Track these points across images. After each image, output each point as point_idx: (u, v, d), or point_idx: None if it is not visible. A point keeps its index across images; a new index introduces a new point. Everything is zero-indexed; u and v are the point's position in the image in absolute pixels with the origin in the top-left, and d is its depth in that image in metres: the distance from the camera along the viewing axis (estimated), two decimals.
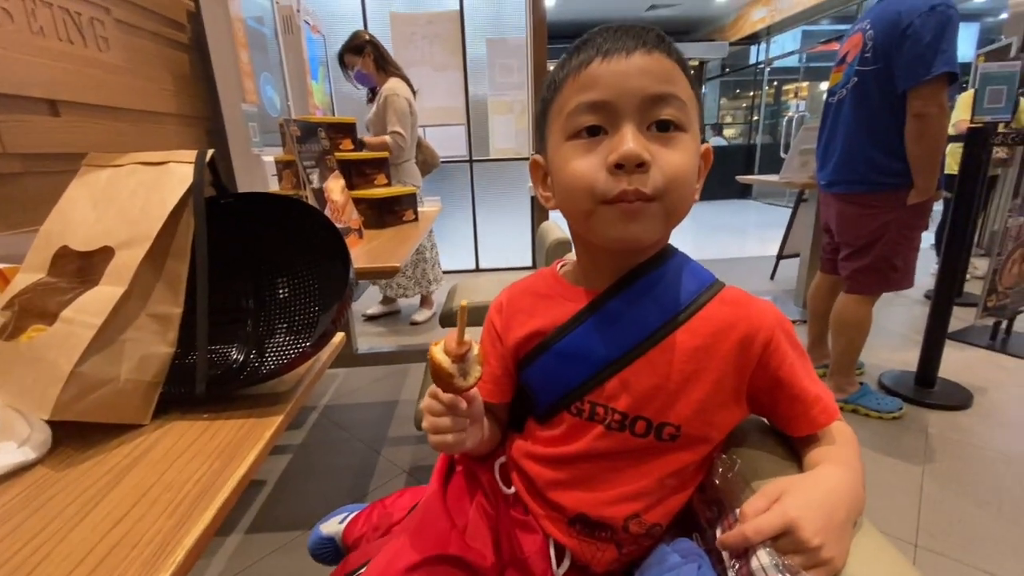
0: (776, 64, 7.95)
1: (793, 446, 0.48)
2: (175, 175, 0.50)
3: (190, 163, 0.50)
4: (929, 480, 1.37)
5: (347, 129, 1.67)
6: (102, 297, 0.45)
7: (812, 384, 0.47)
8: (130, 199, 0.50)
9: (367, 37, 2.35)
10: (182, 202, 0.49)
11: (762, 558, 0.36)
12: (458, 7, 3.30)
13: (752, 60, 8.46)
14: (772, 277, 3.36)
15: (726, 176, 4.29)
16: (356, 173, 1.59)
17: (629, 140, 0.41)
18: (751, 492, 0.42)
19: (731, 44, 8.24)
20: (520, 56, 3.41)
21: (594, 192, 0.42)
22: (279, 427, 0.46)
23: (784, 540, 0.36)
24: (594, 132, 0.43)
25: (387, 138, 2.24)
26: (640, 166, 0.41)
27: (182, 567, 0.30)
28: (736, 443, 0.50)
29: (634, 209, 0.42)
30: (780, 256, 3.32)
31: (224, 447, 0.42)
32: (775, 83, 8.58)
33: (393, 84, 2.30)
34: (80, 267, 0.51)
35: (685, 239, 5.06)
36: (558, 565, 0.50)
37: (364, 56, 2.31)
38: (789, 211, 3.26)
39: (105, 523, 0.34)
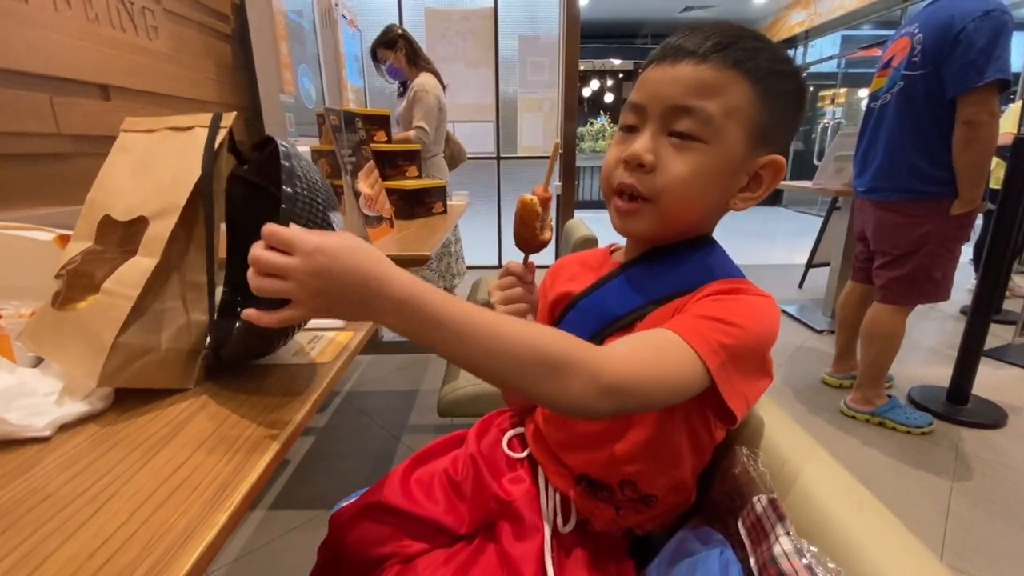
0: (813, 69, 7.76)
1: None
2: (200, 140, 0.51)
3: (204, 127, 0.51)
4: (958, 498, 1.34)
5: (382, 121, 1.70)
6: (138, 269, 0.47)
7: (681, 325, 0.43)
8: (162, 167, 0.51)
9: (399, 32, 2.38)
10: (204, 166, 0.50)
11: (784, 544, 0.36)
12: (492, 4, 3.32)
13: None
14: (800, 285, 3.29)
15: None
16: (389, 164, 1.63)
17: (639, 142, 0.46)
18: (769, 482, 0.43)
19: None
20: (551, 54, 3.42)
21: (608, 180, 0.50)
22: (320, 396, 0.48)
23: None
24: (631, 129, 0.48)
25: (410, 133, 2.26)
26: (640, 166, 0.46)
27: (239, 509, 0.32)
28: (756, 436, 0.50)
29: (626, 208, 0.48)
30: (809, 264, 3.25)
31: (273, 407, 0.45)
32: (811, 88, 8.37)
33: (423, 79, 2.33)
34: (122, 236, 0.53)
35: None
36: (564, 523, 0.54)
37: (396, 51, 2.35)
38: (820, 219, 3.19)
39: (167, 467, 0.36)
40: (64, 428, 0.42)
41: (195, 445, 0.39)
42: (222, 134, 0.51)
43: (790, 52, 8.09)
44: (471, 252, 3.23)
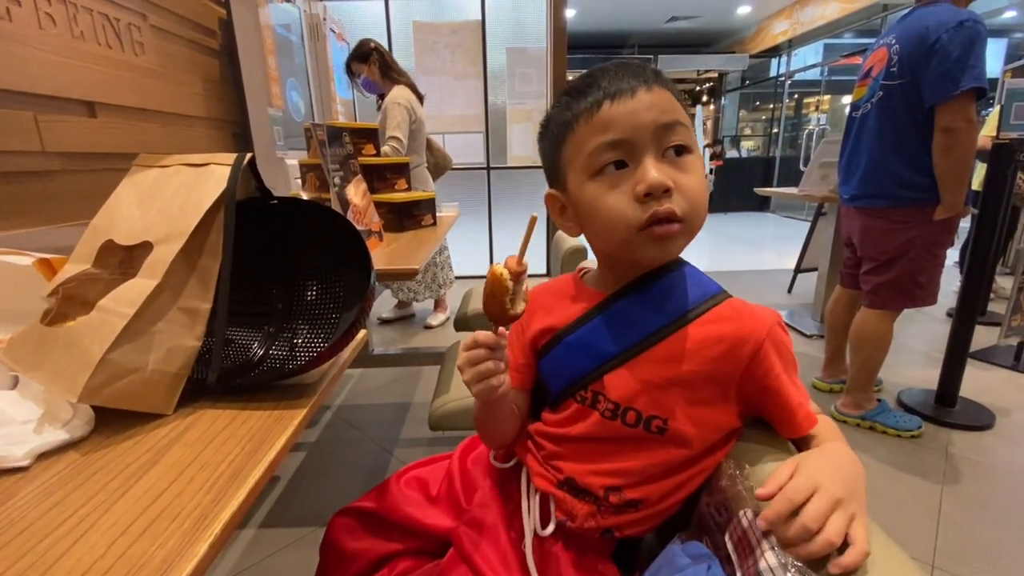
0: (797, 77, 7.90)
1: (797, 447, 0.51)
2: (214, 176, 0.53)
3: (229, 165, 0.53)
4: (948, 500, 1.35)
5: (370, 134, 1.71)
6: (136, 289, 0.48)
7: (796, 392, 0.50)
8: (171, 198, 0.52)
9: (372, 45, 2.38)
10: (218, 202, 0.52)
11: (769, 559, 0.36)
12: (480, 17, 3.35)
13: (772, 73, 8.41)
14: (789, 291, 3.32)
15: (744, 188, 4.26)
16: (377, 177, 1.63)
17: (652, 170, 0.46)
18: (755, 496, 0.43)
19: (751, 56, 8.21)
20: (539, 65, 3.46)
21: (629, 223, 0.47)
22: (306, 415, 0.48)
23: (813, 501, 0.38)
24: (619, 166, 0.48)
25: (385, 147, 2.21)
26: (665, 192, 0.46)
27: (219, 539, 0.32)
28: (743, 449, 0.51)
29: (665, 231, 0.47)
30: (798, 270, 3.28)
31: (254, 433, 0.44)
32: (795, 96, 8.51)
33: (395, 92, 2.31)
34: (122, 260, 0.53)
35: (701, 251, 5.03)
36: (543, 527, 0.55)
37: (370, 64, 2.35)
38: (807, 224, 3.22)
39: (146, 497, 0.36)
40: (43, 456, 0.41)
41: (176, 472, 0.39)
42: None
43: (773, 61, 8.24)
44: (463, 262, 3.23)
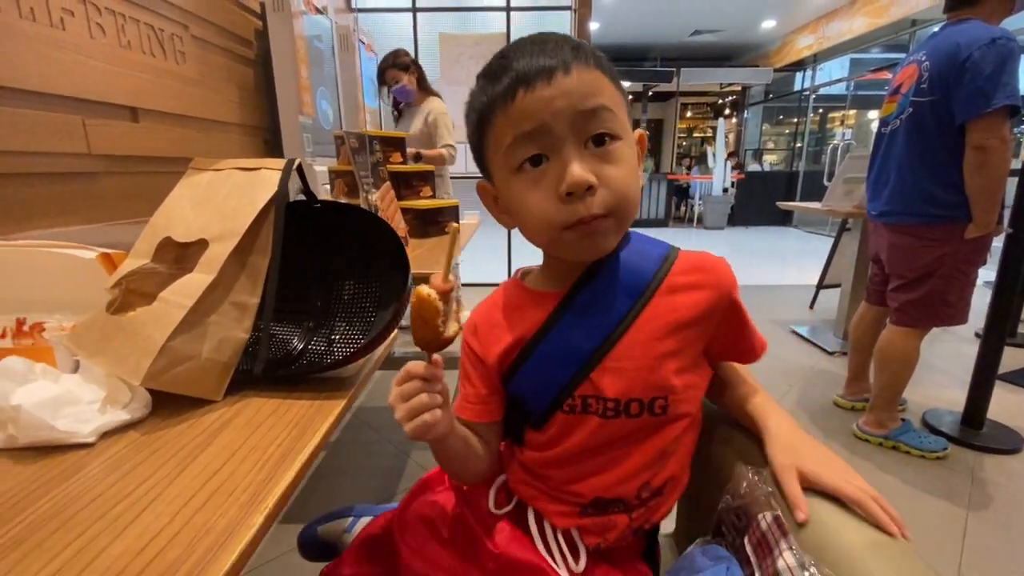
0: (822, 91, 7.82)
1: (722, 378, 0.57)
2: (265, 180, 0.56)
3: (279, 170, 0.56)
4: (974, 524, 1.31)
5: (397, 143, 1.76)
6: (194, 283, 0.52)
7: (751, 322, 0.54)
8: (225, 199, 0.56)
9: (412, 58, 2.53)
10: (269, 204, 0.55)
11: (788, 558, 0.38)
12: (504, 29, 3.42)
13: (797, 87, 8.34)
14: (811, 307, 3.27)
15: (766, 202, 4.21)
16: (404, 184, 1.68)
17: (573, 167, 0.42)
18: (774, 500, 0.44)
19: (776, 71, 8.16)
20: None
21: (552, 223, 0.45)
22: (345, 406, 0.51)
23: (843, 488, 0.43)
24: (536, 161, 0.45)
25: (443, 151, 2.42)
26: (588, 190, 0.43)
27: (273, 512, 0.35)
28: (755, 453, 0.52)
29: (592, 228, 0.45)
30: (820, 285, 3.24)
31: (298, 420, 0.47)
32: (820, 110, 8.42)
33: (438, 104, 2.49)
34: (177, 256, 0.57)
35: None
36: (576, 562, 0.52)
37: (410, 74, 2.47)
38: (830, 239, 3.18)
39: (203, 474, 0.39)
40: (106, 435, 0.45)
41: (228, 453, 0.42)
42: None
43: (797, 75, 8.18)
44: (483, 269, 3.27)
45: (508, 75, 0.44)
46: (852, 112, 8.13)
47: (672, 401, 0.49)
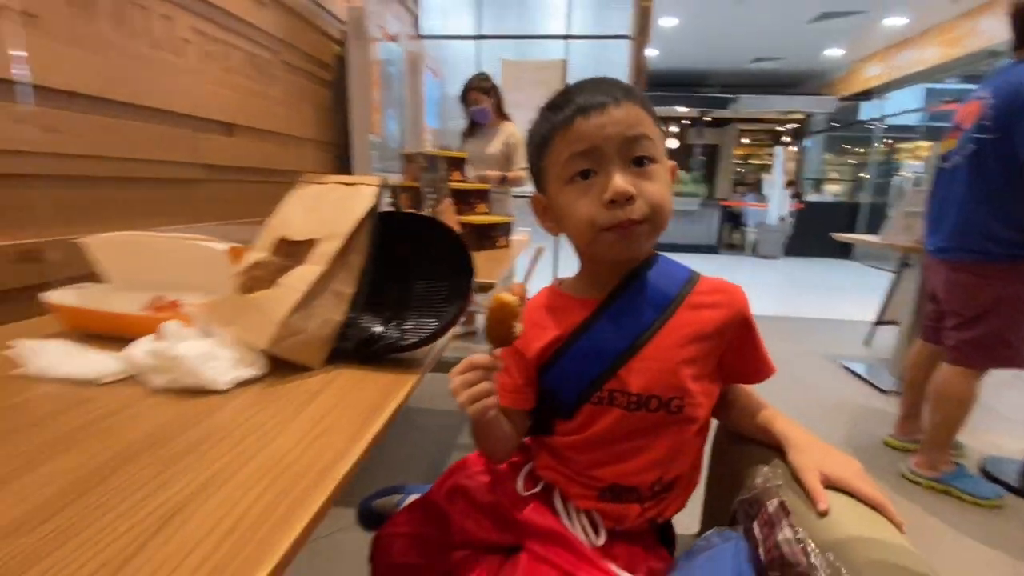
0: (891, 121, 7.50)
1: (733, 397, 0.63)
2: (363, 193, 0.69)
3: (374, 186, 0.69)
4: None
5: (458, 163, 1.91)
6: (307, 272, 0.65)
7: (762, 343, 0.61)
8: (331, 207, 0.69)
9: (492, 83, 2.73)
10: (367, 214, 0.68)
11: (786, 532, 0.44)
12: (563, 56, 3.57)
13: (863, 116, 8.05)
14: (867, 343, 3.15)
15: (825, 233, 4.09)
16: (463, 201, 1.81)
17: (617, 179, 0.52)
18: (785, 491, 0.51)
19: (841, 99, 7.93)
20: None
21: (595, 224, 0.53)
22: (417, 381, 0.62)
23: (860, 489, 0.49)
24: (586, 175, 0.54)
25: (522, 172, 2.61)
26: (629, 200, 0.52)
27: (369, 445, 0.46)
28: (773, 461, 0.57)
29: (629, 232, 0.53)
30: (878, 321, 3.11)
31: (381, 388, 0.59)
32: (889, 140, 8.07)
33: (514, 128, 2.71)
34: (289, 252, 0.70)
35: (772, 295, 4.86)
36: (597, 536, 0.58)
37: (491, 96, 2.68)
38: (891, 275, 3.07)
39: (314, 418, 0.51)
40: (237, 386, 0.57)
41: (330, 406, 0.53)
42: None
43: (863, 104, 7.90)
44: (529, 285, 3.36)
45: (570, 106, 0.54)
46: (926, 143, 7.73)
47: (688, 403, 0.56)
